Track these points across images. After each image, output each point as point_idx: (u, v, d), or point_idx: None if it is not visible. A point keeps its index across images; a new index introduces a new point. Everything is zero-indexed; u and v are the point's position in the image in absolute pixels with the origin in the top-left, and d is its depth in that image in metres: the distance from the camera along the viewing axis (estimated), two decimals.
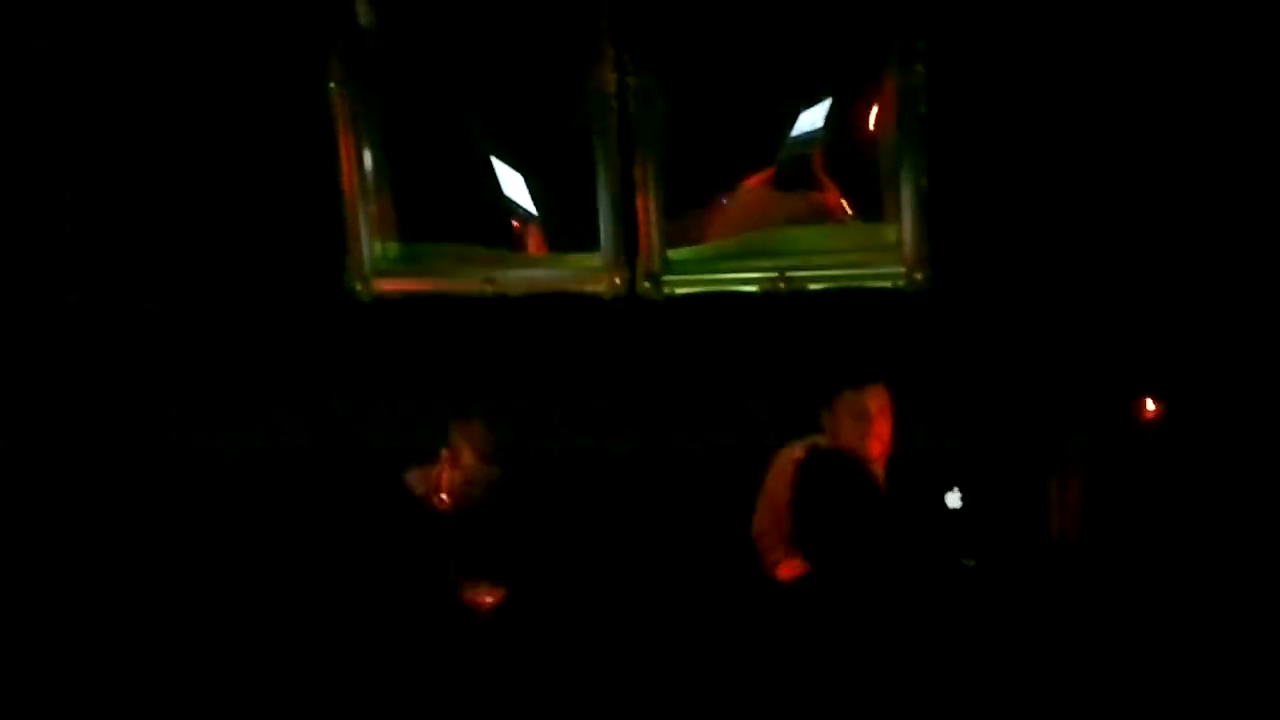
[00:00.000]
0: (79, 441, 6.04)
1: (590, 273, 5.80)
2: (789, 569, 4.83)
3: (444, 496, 5.08)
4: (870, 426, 4.79)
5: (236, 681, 5.07)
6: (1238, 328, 5.21)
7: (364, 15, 5.75)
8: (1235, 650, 4.62)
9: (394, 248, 6.00)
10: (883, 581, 4.66)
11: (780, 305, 5.64)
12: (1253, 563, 4.81)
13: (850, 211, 5.85)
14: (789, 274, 5.63)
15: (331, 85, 5.74)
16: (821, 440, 4.89)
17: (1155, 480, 4.94)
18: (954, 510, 4.81)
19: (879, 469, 4.81)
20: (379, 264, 5.95)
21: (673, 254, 5.76)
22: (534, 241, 6.15)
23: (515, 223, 6.14)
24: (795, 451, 4.90)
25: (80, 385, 6.07)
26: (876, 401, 4.81)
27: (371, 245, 5.92)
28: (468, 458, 5.12)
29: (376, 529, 5.37)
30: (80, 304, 6.02)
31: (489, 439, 5.15)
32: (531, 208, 6.12)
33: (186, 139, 5.88)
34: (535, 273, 5.91)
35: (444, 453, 5.12)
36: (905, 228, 5.50)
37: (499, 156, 6.07)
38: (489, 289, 5.86)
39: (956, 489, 4.82)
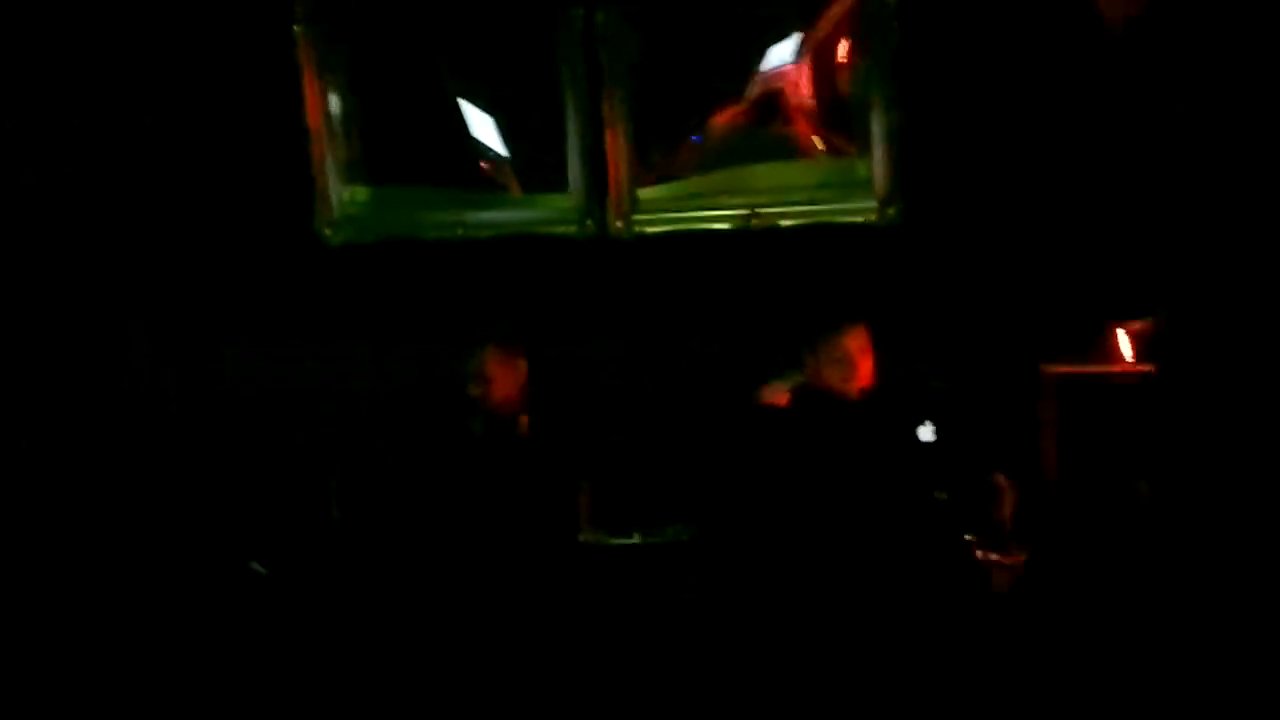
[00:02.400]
0: (40, 390, 5.98)
1: (561, 214, 5.76)
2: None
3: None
4: (852, 369, 4.82)
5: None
6: (1213, 252, 5.19)
7: None
8: (1208, 580, 4.63)
9: (362, 192, 5.95)
10: (858, 518, 4.68)
11: (752, 242, 5.61)
12: (1230, 490, 4.81)
13: (822, 147, 5.81)
14: (761, 211, 5.60)
15: (296, 27, 5.67)
16: (800, 380, 4.92)
17: (1132, 414, 4.95)
18: (927, 443, 4.82)
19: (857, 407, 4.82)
20: (347, 208, 5.90)
21: (643, 193, 5.72)
22: (506, 183, 6.12)
23: (484, 164, 6.10)
24: (778, 389, 4.91)
25: (43, 333, 6.01)
26: (857, 343, 4.83)
27: (339, 190, 5.87)
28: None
29: (353, 471, 5.38)
30: (43, 250, 5.95)
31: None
32: (501, 149, 6.07)
33: (150, 83, 5.81)
34: (505, 214, 5.87)
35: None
36: (877, 162, 5.47)
37: (467, 98, 6.01)
38: (459, 232, 5.83)
39: (930, 422, 4.83)
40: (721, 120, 5.87)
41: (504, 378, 5.21)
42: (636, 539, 5.15)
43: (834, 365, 4.83)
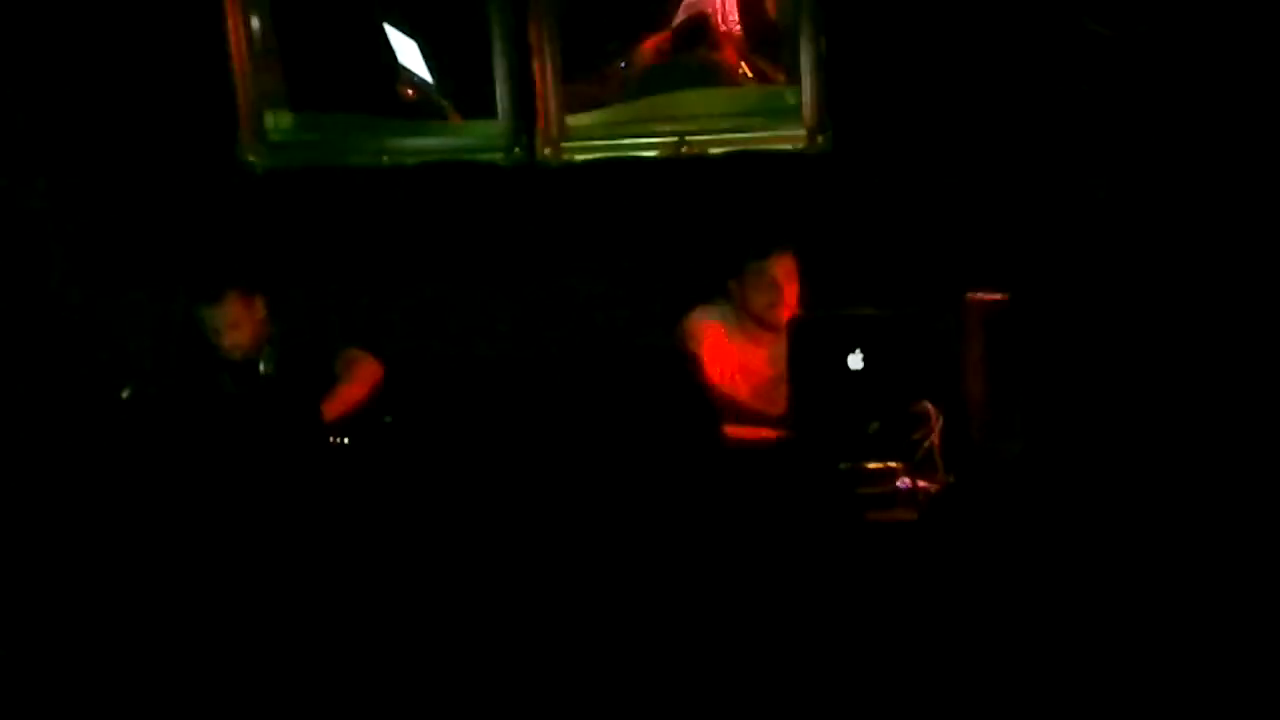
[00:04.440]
0: None
1: (489, 140, 5.72)
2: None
3: None
4: (778, 294, 4.83)
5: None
6: (1143, 177, 5.21)
7: None
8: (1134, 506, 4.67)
9: (287, 118, 5.88)
10: (789, 447, 4.69)
11: (682, 170, 5.59)
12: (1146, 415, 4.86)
13: (751, 74, 5.79)
14: (690, 138, 5.58)
15: None
16: (726, 307, 4.92)
17: (1062, 340, 4.97)
18: (857, 372, 4.83)
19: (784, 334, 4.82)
20: (272, 135, 5.83)
21: (572, 120, 5.68)
22: (439, 110, 6.07)
23: (411, 91, 6.04)
24: (703, 320, 4.91)
25: None
26: (783, 268, 4.83)
27: (263, 116, 5.80)
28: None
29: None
30: None
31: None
32: (427, 75, 6.01)
33: (70, 9, 5.71)
34: (432, 141, 5.82)
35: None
36: (805, 90, 5.45)
37: (392, 23, 5.94)
38: (385, 159, 5.77)
39: (859, 351, 4.83)
40: (649, 47, 5.85)
41: (246, 323, 4.98)
42: None
43: (760, 291, 4.84)
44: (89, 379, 5.81)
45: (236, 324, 4.96)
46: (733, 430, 4.79)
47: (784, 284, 4.83)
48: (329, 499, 4.88)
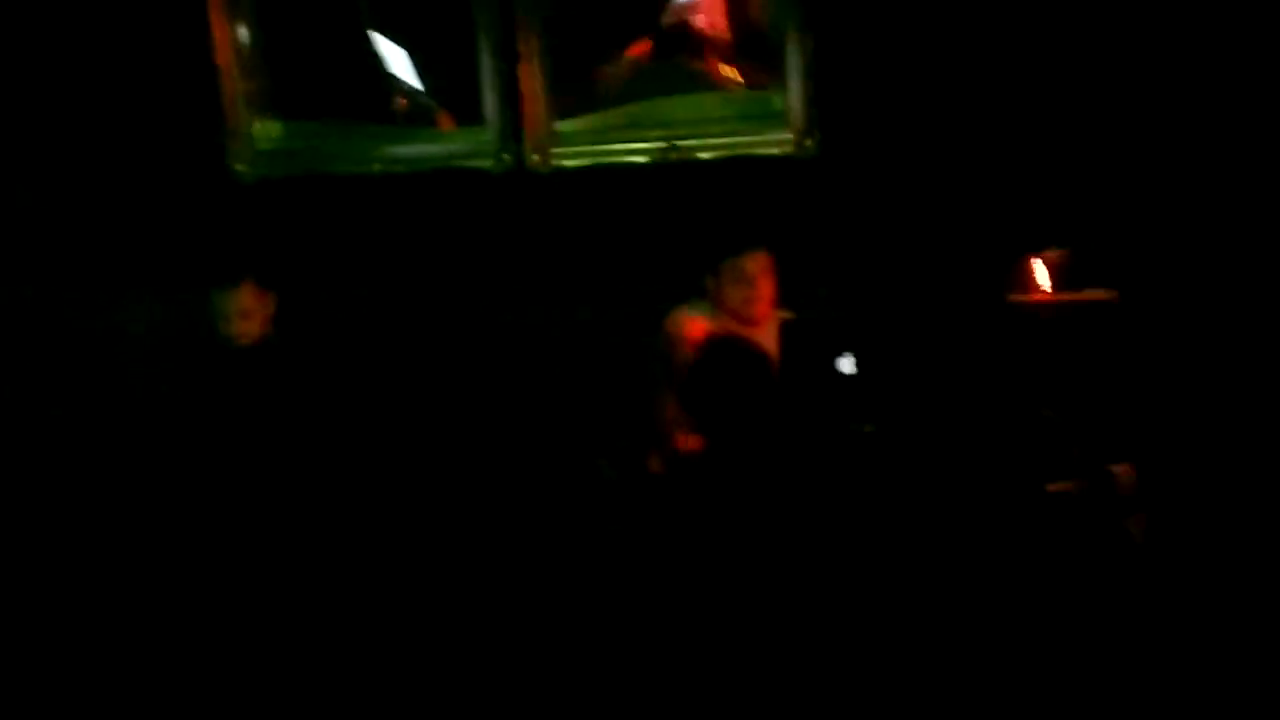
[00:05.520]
0: None
1: (477, 147, 5.72)
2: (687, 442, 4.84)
3: None
4: (752, 290, 4.87)
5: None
6: (1133, 190, 5.23)
7: None
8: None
9: (276, 127, 5.88)
10: (778, 450, 4.69)
11: (670, 175, 5.59)
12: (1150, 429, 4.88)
13: (739, 79, 5.78)
14: (678, 143, 5.58)
15: None
16: (706, 306, 4.94)
17: (1047, 343, 4.98)
18: (848, 376, 4.83)
19: (767, 334, 4.83)
20: (260, 144, 5.83)
21: (560, 126, 5.68)
22: (429, 117, 6.07)
23: (400, 98, 6.04)
24: (686, 317, 4.92)
25: None
26: (758, 265, 4.88)
27: (252, 125, 5.80)
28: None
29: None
30: None
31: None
32: (416, 82, 6.01)
33: (57, 20, 5.71)
34: (421, 149, 5.82)
35: None
36: (792, 94, 5.45)
37: (380, 30, 5.94)
38: (375, 167, 5.77)
39: (850, 354, 4.84)
40: (635, 52, 5.85)
41: (257, 314, 5.11)
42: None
43: (735, 287, 4.89)
44: (80, 384, 5.82)
45: (249, 313, 5.07)
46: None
47: (759, 280, 4.88)
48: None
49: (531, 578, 4.88)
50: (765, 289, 4.89)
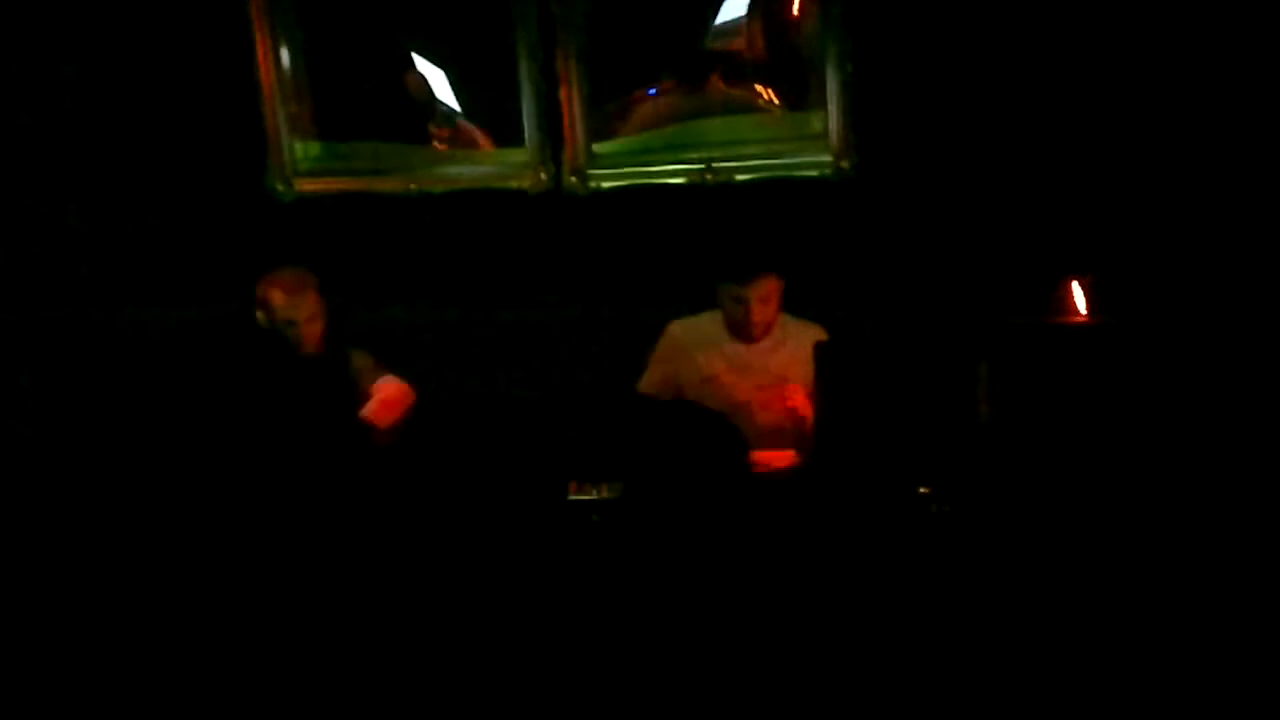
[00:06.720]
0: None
1: (515, 168, 5.74)
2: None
3: None
4: (746, 315, 4.90)
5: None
6: (1167, 214, 5.22)
7: None
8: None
9: (315, 147, 5.92)
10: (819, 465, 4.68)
11: (707, 197, 5.60)
12: (1169, 454, 4.84)
13: (776, 101, 5.80)
14: (715, 165, 5.60)
15: None
16: (716, 315, 5.01)
17: (1077, 369, 4.96)
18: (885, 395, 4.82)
19: (781, 355, 4.92)
20: (300, 164, 5.87)
21: (598, 147, 5.70)
22: (465, 138, 6.10)
23: (438, 120, 6.08)
24: (679, 326, 5.05)
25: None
26: (758, 292, 4.89)
27: (292, 145, 5.84)
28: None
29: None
30: None
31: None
32: (454, 104, 6.05)
33: (103, 40, 5.76)
34: (458, 169, 5.85)
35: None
36: (831, 116, 5.46)
37: (419, 52, 5.98)
38: (412, 187, 5.80)
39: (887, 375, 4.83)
40: (675, 75, 5.87)
41: (318, 320, 5.04)
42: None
43: (729, 308, 4.95)
44: (116, 394, 5.85)
45: (313, 317, 5.01)
46: (756, 455, 4.82)
47: (755, 305, 4.90)
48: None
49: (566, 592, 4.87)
50: (761, 313, 4.91)
